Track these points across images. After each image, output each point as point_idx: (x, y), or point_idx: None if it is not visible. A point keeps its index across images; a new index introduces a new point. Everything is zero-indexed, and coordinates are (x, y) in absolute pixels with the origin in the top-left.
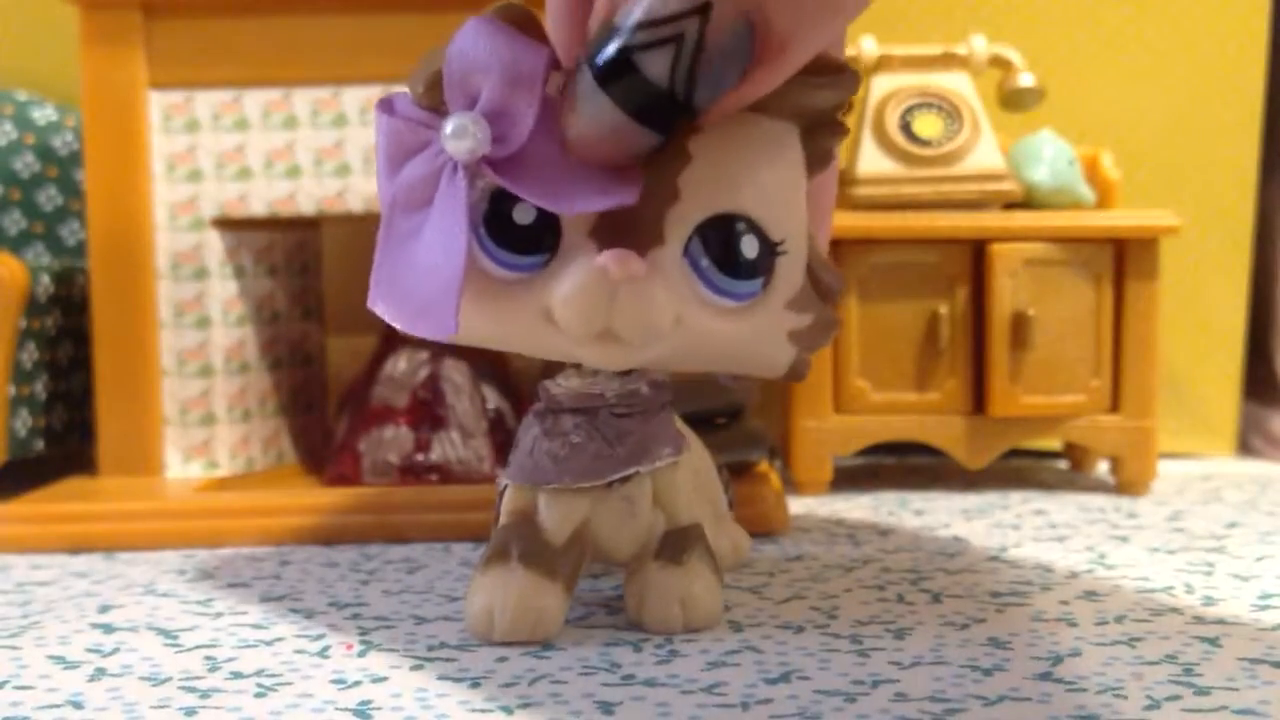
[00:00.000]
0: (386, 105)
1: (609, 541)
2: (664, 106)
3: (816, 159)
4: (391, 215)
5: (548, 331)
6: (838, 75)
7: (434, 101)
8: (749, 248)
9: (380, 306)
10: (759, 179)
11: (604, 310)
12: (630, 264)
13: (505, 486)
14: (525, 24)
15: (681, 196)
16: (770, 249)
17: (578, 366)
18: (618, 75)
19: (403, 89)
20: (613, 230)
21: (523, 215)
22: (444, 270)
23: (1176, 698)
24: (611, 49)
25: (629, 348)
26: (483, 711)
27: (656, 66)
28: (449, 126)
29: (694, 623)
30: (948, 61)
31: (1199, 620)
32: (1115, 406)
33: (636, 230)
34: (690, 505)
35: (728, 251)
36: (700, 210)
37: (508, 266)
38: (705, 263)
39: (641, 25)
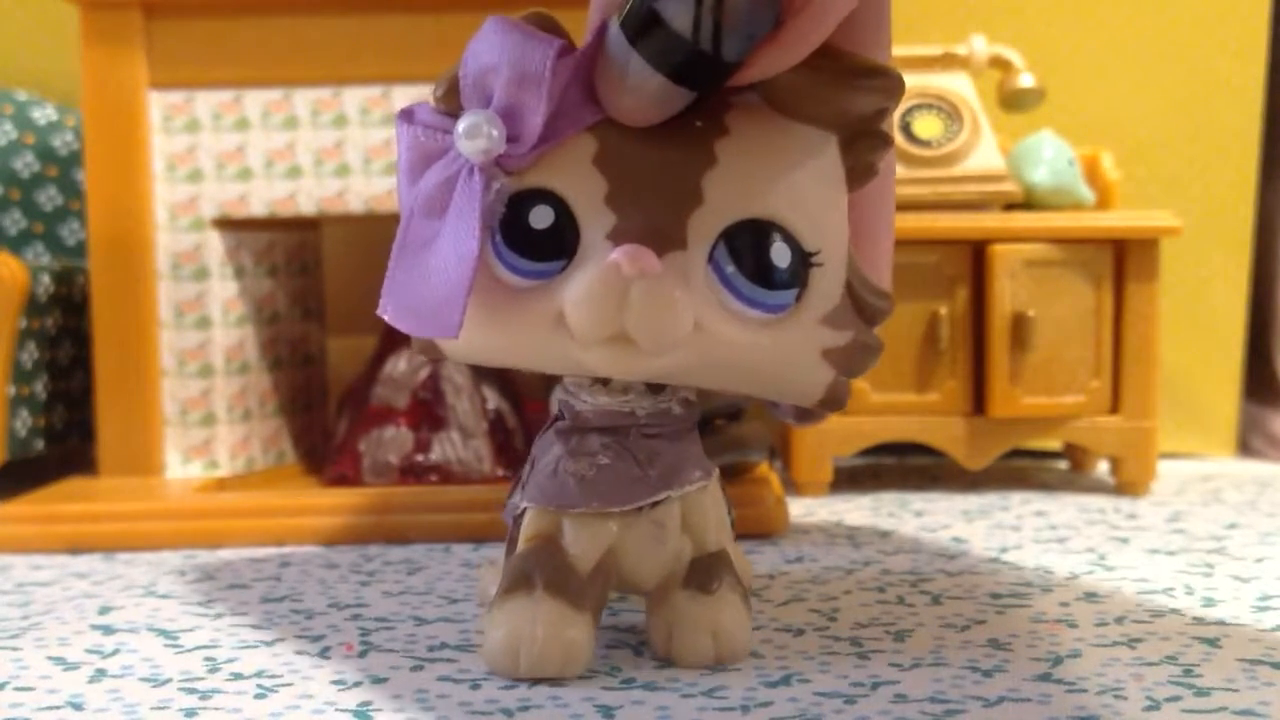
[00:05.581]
0: (407, 114)
1: (636, 569)
2: (693, 60)
3: (857, 172)
4: (409, 223)
5: (558, 338)
6: (881, 77)
7: (452, 106)
8: (780, 256)
9: (389, 313)
10: (793, 185)
11: (616, 310)
12: (643, 259)
13: (523, 510)
14: (545, 25)
15: (705, 200)
16: (804, 259)
17: (605, 383)
18: (645, 29)
19: (406, 91)
20: (631, 233)
21: (540, 219)
22: (453, 272)
23: (1176, 699)
24: (637, 3)
25: (642, 353)
26: (483, 714)
27: (680, 19)
28: (461, 125)
29: (725, 656)
30: (948, 62)
31: (1199, 621)
32: (1115, 407)
33: (656, 233)
34: (718, 530)
35: (757, 259)
36: (726, 215)
37: (524, 274)
38: (731, 270)
39: None
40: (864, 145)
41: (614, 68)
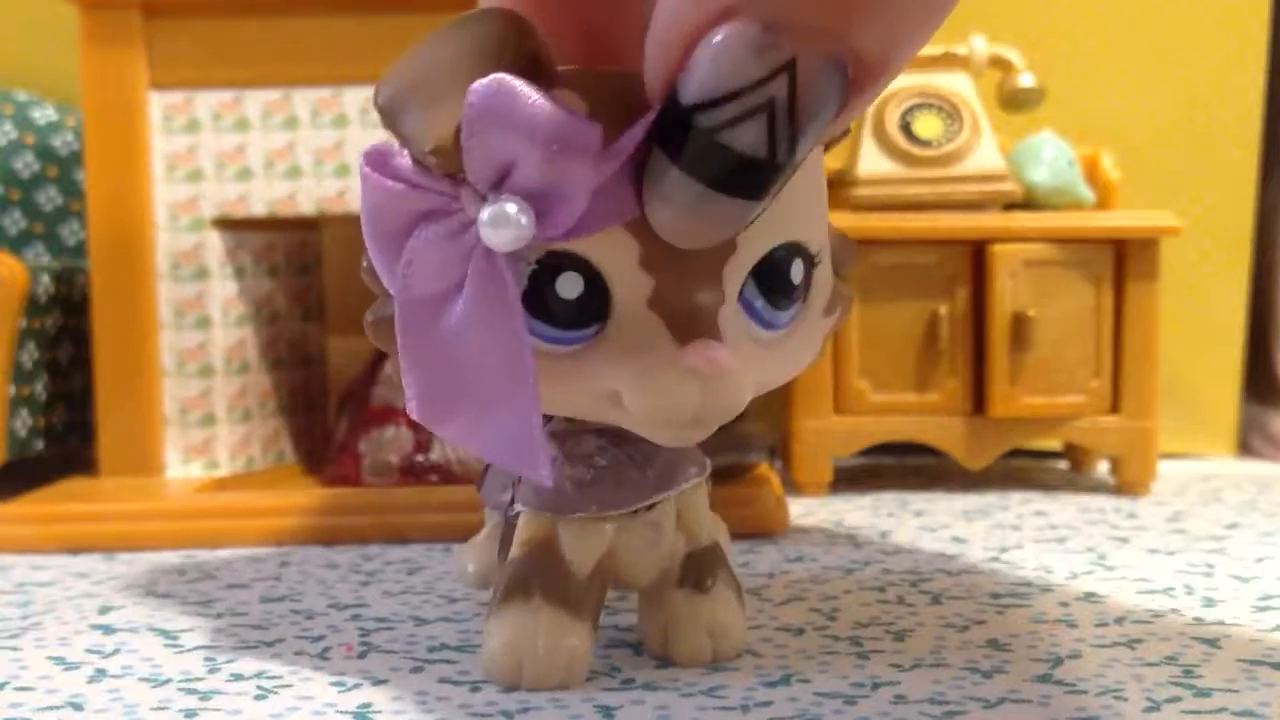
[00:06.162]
0: (378, 162)
1: (632, 570)
2: (765, 174)
3: (831, 143)
4: (408, 311)
5: (616, 412)
6: None
7: (449, 167)
8: (796, 273)
9: (437, 426)
10: (797, 197)
11: (693, 406)
12: (720, 359)
13: (516, 514)
14: (521, 27)
15: (738, 247)
16: (811, 264)
17: None
18: (706, 159)
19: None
20: (673, 301)
21: (570, 289)
22: (517, 411)
23: (1176, 700)
24: (690, 133)
25: (712, 427)
26: (484, 715)
27: (750, 139)
28: (486, 214)
29: (723, 654)
30: (948, 62)
31: (1199, 621)
32: (1115, 407)
33: (704, 310)
34: (710, 524)
35: (778, 283)
36: (755, 253)
37: (554, 341)
38: (760, 304)
39: (719, 101)
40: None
41: (661, 194)
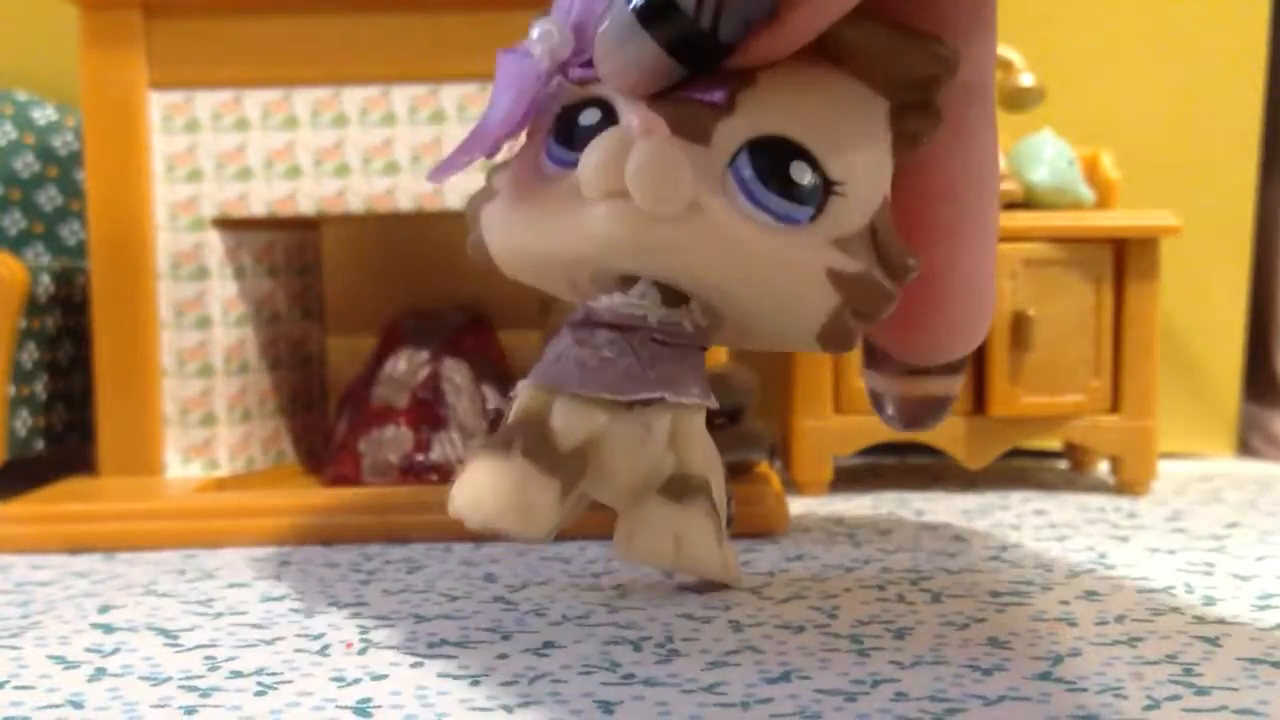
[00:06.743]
0: (507, 49)
1: (614, 465)
2: (690, 37)
3: (903, 139)
4: (484, 125)
5: (574, 207)
6: (932, 43)
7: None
8: (800, 173)
9: (435, 171)
10: (825, 117)
11: (618, 163)
12: (653, 123)
13: (518, 391)
14: None
15: (737, 111)
16: (827, 184)
17: (623, 289)
18: (650, 6)
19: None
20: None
21: (588, 117)
22: (491, 122)
23: (1176, 698)
24: None
25: (641, 214)
26: (483, 710)
27: None
28: (534, 31)
29: (684, 563)
30: None
31: (1199, 620)
32: (1115, 406)
33: (681, 124)
34: (706, 459)
35: (774, 169)
36: (754, 128)
37: (561, 163)
38: (749, 174)
39: None
40: (913, 114)
41: (612, 33)
